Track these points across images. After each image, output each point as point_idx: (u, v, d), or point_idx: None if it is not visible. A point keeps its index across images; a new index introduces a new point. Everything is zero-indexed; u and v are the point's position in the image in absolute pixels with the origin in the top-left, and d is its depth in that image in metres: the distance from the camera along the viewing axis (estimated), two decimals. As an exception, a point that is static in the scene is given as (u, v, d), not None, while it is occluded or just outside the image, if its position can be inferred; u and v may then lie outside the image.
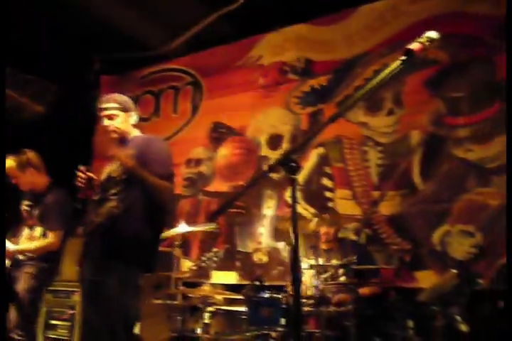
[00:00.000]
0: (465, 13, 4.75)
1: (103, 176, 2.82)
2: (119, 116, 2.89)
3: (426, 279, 4.34)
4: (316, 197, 5.22)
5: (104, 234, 2.63)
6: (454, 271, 3.73)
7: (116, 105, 2.89)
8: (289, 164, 1.54)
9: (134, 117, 2.98)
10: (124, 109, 2.92)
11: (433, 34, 1.76)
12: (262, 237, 5.46)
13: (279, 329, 3.58)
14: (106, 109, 2.89)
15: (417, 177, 4.74)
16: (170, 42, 6.27)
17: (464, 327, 3.51)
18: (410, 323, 3.66)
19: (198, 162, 6.17)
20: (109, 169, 2.80)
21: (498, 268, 4.06)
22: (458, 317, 3.54)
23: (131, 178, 2.66)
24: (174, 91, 6.68)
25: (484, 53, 4.58)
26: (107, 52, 6.33)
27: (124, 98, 2.98)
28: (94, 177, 2.82)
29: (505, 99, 3.64)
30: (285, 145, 5.59)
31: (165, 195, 2.72)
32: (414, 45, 1.71)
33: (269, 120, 5.77)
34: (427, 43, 1.74)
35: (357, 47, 5.35)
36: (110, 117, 2.87)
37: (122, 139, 2.87)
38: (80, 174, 2.78)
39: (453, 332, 3.53)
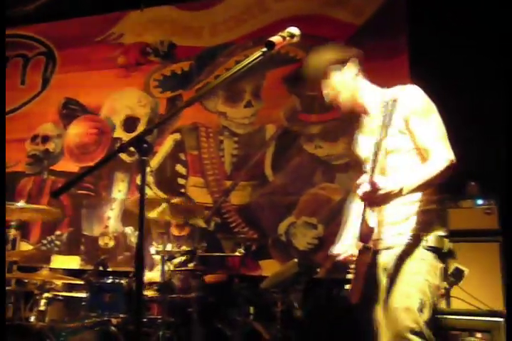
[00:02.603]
0: (325, 17, 4.97)
1: None
2: None
3: (270, 268, 4.51)
4: (169, 183, 5.19)
5: None
6: (295, 259, 3.91)
7: None
8: (141, 145, 1.48)
9: None
10: None
11: (294, 30, 1.82)
12: (110, 221, 5.30)
13: (121, 315, 3.50)
14: None
15: (268, 170, 4.90)
16: (23, 5, 5.78)
17: (298, 313, 3.71)
18: (251, 309, 3.79)
19: (46, 139, 5.82)
20: None
21: (334, 259, 4.35)
22: (295, 304, 3.74)
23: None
24: (23, 61, 6.19)
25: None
26: None
27: None
28: None
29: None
30: (141, 129, 5.46)
31: None
32: (276, 38, 1.75)
33: (125, 101, 5.60)
34: (288, 38, 1.79)
35: (222, 36, 5.38)
36: None
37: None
38: None
39: (290, 317, 3.72)
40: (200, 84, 5.29)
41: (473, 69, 4.00)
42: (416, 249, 2.00)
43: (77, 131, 5.75)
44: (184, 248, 4.08)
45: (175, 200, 3.92)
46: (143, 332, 3.45)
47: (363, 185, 1.90)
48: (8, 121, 5.52)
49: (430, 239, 2.00)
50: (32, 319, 3.62)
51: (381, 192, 1.85)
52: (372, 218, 1.97)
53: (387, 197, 1.88)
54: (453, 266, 3.25)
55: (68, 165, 5.65)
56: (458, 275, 3.21)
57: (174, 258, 3.89)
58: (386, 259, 2.05)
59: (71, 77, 5.88)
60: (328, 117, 4.78)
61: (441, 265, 2.03)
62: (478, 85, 3.99)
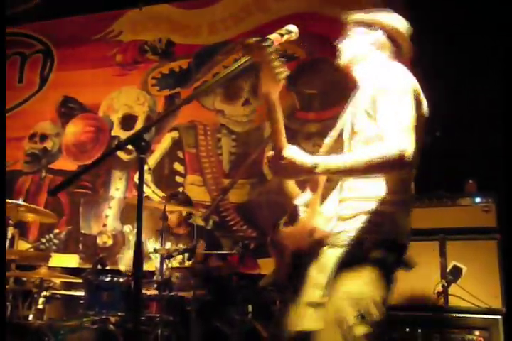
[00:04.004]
0: (323, 15, 4.97)
1: None
2: None
3: (268, 266, 4.49)
4: (167, 181, 5.18)
5: None
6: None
7: None
8: (139, 143, 1.48)
9: None
10: None
11: (292, 27, 1.83)
12: (108, 219, 5.30)
13: (119, 313, 3.50)
14: None
15: (266, 168, 4.90)
16: (21, 3, 5.77)
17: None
18: (250, 308, 3.79)
19: (44, 137, 5.81)
20: None
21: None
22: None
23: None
24: (21, 59, 6.18)
25: (336, 55, 4.84)
26: None
27: None
28: None
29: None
30: (139, 127, 5.46)
31: None
32: (274, 36, 1.76)
33: (123, 99, 5.60)
34: (286, 35, 1.80)
35: (220, 34, 5.38)
36: None
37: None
38: None
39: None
40: (198, 82, 5.28)
41: (472, 67, 4.01)
42: (358, 254, 1.75)
43: (75, 129, 5.74)
44: (181, 246, 4.07)
45: (173, 199, 3.92)
46: (141, 330, 3.47)
47: (271, 152, 1.76)
48: (6, 120, 5.50)
49: (375, 245, 1.75)
50: (30, 317, 3.62)
51: (284, 161, 1.68)
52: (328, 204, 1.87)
53: (292, 169, 1.67)
54: (451, 264, 3.26)
55: (66, 164, 5.64)
56: (456, 273, 3.22)
57: (172, 256, 3.88)
58: (325, 258, 1.81)
59: (69, 75, 5.87)
60: (326, 115, 4.77)
61: (385, 276, 1.75)
62: (477, 82, 3.99)
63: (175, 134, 5.29)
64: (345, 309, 1.68)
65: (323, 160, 1.67)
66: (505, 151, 3.71)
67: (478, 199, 3.36)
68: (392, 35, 2.03)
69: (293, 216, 1.96)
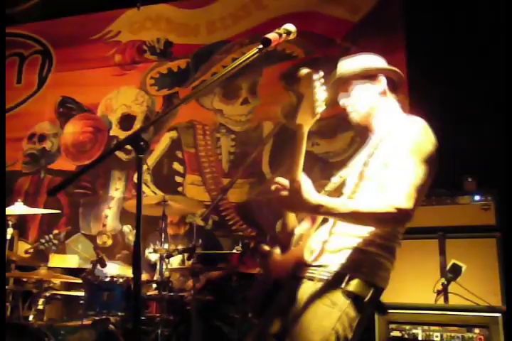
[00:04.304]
0: (322, 14, 4.97)
1: None
2: None
3: (266, 265, 4.51)
4: (166, 181, 5.18)
5: None
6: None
7: None
8: (137, 142, 1.48)
9: None
10: None
11: (290, 27, 1.82)
12: (108, 220, 5.29)
13: (119, 314, 3.50)
14: None
15: (266, 167, 4.90)
16: (19, 3, 5.75)
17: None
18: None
19: (42, 137, 5.80)
20: None
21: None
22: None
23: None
24: (19, 59, 6.17)
25: (335, 54, 4.84)
26: None
27: None
28: None
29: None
30: (137, 127, 5.45)
31: None
32: (272, 35, 1.75)
33: (122, 99, 5.59)
34: (284, 35, 1.78)
35: (218, 34, 5.37)
36: None
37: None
38: None
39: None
40: (196, 81, 5.28)
41: (470, 64, 4.01)
42: (333, 289, 1.74)
43: (73, 129, 5.73)
44: (180, 246, 4.07)
45: (171, 198, 3.92)
46: (141, 330, 3.47)
47: (283, 180, 1.75)
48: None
49: (352, 283, 1.73)
50: (30, 318, 3.62)
51: (291, 192, 1.67)
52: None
53: (297, 203, 1.68)
54: (451, 262, 3.26)
55: (65, 164, 5.63)
56: (456, 271, 3.22)
57: (172, 256, 3.88)
58: (301, 289, 1.80)
59: (67, 75, 5.86)
60: (325, 114, 4.75)
61: (357, 315, 1.74)
62: (477, 80, 3.99)
63: (174, 134, 5.29)
64: (309, 337, 1.70)
65: (328, 203, 1.69)
66: (505, 149, 3.71)
67: (477, 198, 3.36)
68: (391, 77, 2.05)
69: (284, 244, 1.93)
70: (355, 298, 1.73)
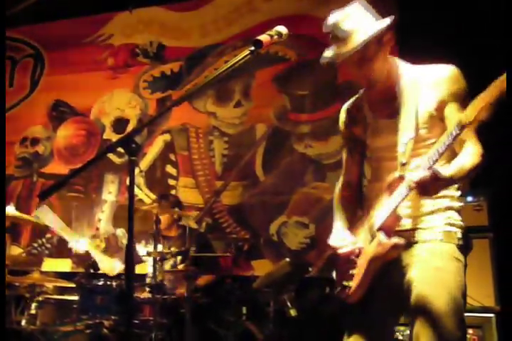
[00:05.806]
0: (314, 17, 4.98)
1: None
2: None
3: (262, 268, 4.50)
4: (159, 184, 5.17)
5: None
6: (287, 259, 3.91)
7: None
8: (129, 145, 1.48)
9: None
10: None
11: (282, 29, 1.82)
12: (101, 223, 5.28)
13: (113, 317, 3.48)
14: None
15: (259, 170, 4.90)
16: (10, 7, 5.73)
17: (293, 312, 3.70)
18: (244, 309, 3.78)
19: (35, 141, 5.79)
20: None
21: (326, 258, 4.35)
22: (288, 303, 3.73)
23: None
24: (11, 63, 6.16)
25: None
26: None
27: None
28: None
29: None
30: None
31: None
32: (263, 37, 1.75)
33: (115, 103, 5.59)
34: (276, 37, 1.79)
35: (211, 37, 5.37)
36: None
37: None
38: None
39: (283, 316, 3.72)
40: (189, 84, 5.28)
41: (467, 61, 4.00)
42: (447, 245, 1.86)
43: (66, 133, 5.72)
44: (173, 249, 4.06)
45: (164, 201, 3.91)
46: (135, 333, 3.45)
47: (420, 172, 1.73)
48: (-3, 124, 5.49)
49: (459, 237, 1.88)
50: (23, 322, 3.59)
51: (441, 182, 1.72)
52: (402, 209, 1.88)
53: (442, 185, 1.76)
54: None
55: (58, 168, 5.62)
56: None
57: (165, 259, 3.87)
58: (411, 254, 1.87)
59: (60, 79, 5.86)
60: (318, 116, 4.78)
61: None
62: (473, 79, 3.99)
63: (167, 137, 5.28)
64: (443, 297, 1.79)
65: (453, 172, 1.77)
66: (497, 150, 3.72)
67: (470, 198, 3.37)
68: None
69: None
70: (463, 247, 1.88)
